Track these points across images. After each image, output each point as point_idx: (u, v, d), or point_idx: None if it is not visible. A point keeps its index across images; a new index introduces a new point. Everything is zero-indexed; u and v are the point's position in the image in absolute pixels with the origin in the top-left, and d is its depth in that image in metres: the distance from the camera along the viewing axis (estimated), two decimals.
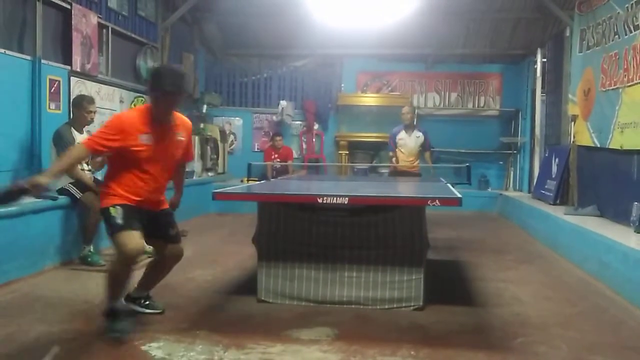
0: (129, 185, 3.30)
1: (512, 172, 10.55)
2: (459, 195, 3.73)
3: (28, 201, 4.79)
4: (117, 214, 3.22)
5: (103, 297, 3.40)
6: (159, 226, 3.49)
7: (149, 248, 5.22)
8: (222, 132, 10.20)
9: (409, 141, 7.26)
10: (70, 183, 5.07)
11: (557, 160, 7.82)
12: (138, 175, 3.31)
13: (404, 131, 7.29)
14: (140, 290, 3.67)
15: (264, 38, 10.49)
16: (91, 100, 5.32)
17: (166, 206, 3.58)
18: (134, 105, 7.80)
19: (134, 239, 3.20)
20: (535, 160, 9.55)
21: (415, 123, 7.50)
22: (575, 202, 6.90)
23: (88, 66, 6.49)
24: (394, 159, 7.35)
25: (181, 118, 3.53)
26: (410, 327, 3.50)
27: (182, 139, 3.47)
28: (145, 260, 5.14)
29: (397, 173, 7.32)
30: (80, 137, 5.21)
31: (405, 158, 7.28)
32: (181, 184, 3.83)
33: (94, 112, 5.33)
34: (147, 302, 3.67)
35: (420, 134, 7.32)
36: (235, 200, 6.41)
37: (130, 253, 3.17)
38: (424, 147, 7.36)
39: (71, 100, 5.48)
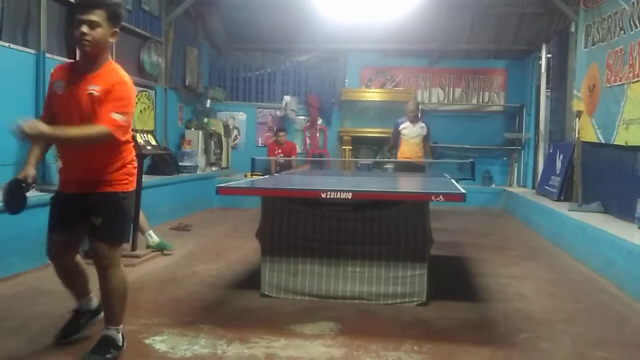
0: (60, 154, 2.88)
1: (516, 168, 10.53)
2: (463, 191, 3.71)
3: (34, 195, 4.82)
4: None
5: None
6: (84, 212, 2.76)
7: (153, 242, 5.29)
8: (226, 127, 10.20)
9: (412, 130, 7.28)
10: None
11: (561, 156, 7.80)
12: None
13: (408, 122, 7.32)
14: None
15: (267, 32, 10.47)
16: None
17: (109, 189, 2.76)
18: (138, 100, 7.81)
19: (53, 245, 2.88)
20: (540, 156, 9.53)
21: (420, 116, 7.51)
22: (580, 199, 6.89)
23: None
24: (393, 151, 7.41)
25: (111, 69, 2.73)
26: (413, 323, 3.50)
27: (95, 93, 2.63)
28: (147, 255, 5.16)
29: (402, 166, 7.31)
30: None
31: (408, 148, 7.30)
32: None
33: None
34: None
35: (423, 124, 7.36)
36: (239, 195, 6.41)
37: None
38: (426, 138, 7.38)
39: None
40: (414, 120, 7.29)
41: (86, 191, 2.75)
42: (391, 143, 7.59)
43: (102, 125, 2.58)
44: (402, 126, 7.31)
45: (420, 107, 7.65)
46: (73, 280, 3.03)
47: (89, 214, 2.75)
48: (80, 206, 2.77)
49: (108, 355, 2.76)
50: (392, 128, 7.53)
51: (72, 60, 2.97)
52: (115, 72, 2.72)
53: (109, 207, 2.75)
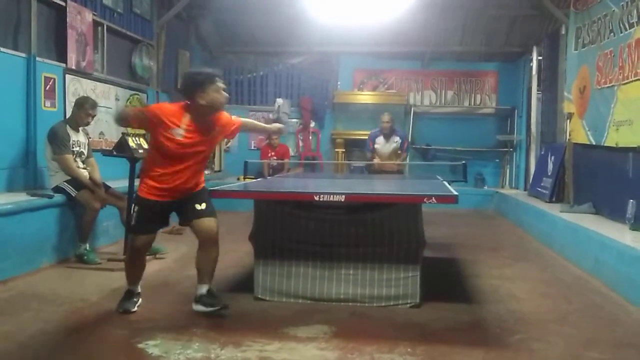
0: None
1: (508, 170, 10.57)
2: (455, 193, 3.73)
3: (23, 199, 4.80)
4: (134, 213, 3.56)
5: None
6: (186, 206, 3.58)
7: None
8: None
9: (385, 148, 7.29)
10: (65, 181, 5.05)
11: (552, 158, 7.84)
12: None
13: (382, 137, 7.30)
14: (199, 286, 3.60)
15: (260, 35, 10.47)
16: (94, 105, 5.32)
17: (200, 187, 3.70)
18: (130, 103, 7.79)
19: (141, 240, 3.59)
20: (531, 158, 9.57)
21: (394, 129, 7.49)
22: (571, 200, 6.92)
23: (83, 64, 6.46)
24: (374, 160, 7.38)
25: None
26: (407, 325, 3.51)
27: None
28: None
29: (378, 172, 7.31)
30: (75, 135, 5.21)
31: (381, 160, 7.33)
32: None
33: (93, 117, 5.35)
34: (209, 300, 3.56)
35: (398, 138, 7.34)
36: (232, 198, 6.38)
37: (136, 249, 3.63)
38: (401, 148, 7.38)
39: (75, 99, 5.50)
40: (388, 134, 7.27)
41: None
42: (370, 156, 7.51)
43: None
44: (376, 140, 7.31)
45: (393, 121, 7.50)
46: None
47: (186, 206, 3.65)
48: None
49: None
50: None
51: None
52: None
53: (204, 194, 3.75)
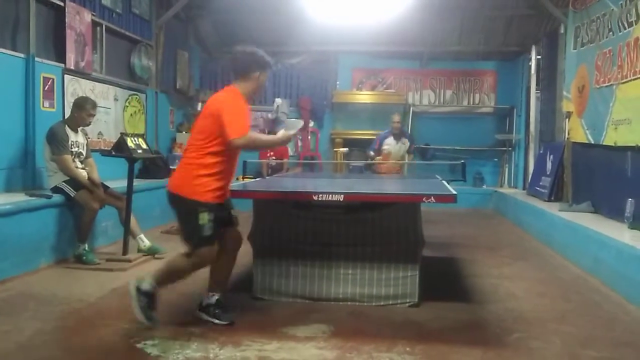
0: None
1: (506, 169, 10.57)
2: (454, 192, 3.74)
3: (22, 199, 4.80)
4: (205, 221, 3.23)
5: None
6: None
7: (144, 246, 5.28)
8: None
9: (395, 149, 7.31)
10: (64, 181, 5.05)
11: (551, 156, 7.85)
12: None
13: (392, 138, 7.32)
14: (209, 295, 3.49)
15: (258, 35, 10.45)
16: (94, 105, 5.32)
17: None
18: (129, 104, 7.78)
19: (215, 248, 3.34)
20: (530, 157, 9.58)
21: (403, 130, 7.54)
22: (570, 199, 6.93)
23: (82, 64, 6.46)
24: (376, 159, 7.40)
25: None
26: (405, 324, 3.51)
27: None
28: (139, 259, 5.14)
29: (381, 173, 7.32)
30: (74, 136, 5.20)
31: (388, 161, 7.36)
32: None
33: (93, 117, 5.35)
34: (217, 311, 3.44)
35: (407, 140, 7.39)
36: (231, 198, 6.39)
37: (212, 259, 3.37)
38: (408, 151, 7.42)
39: (74, 100, 5.49)
40: (398, 135, 7.29)
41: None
42: (372, 155, 7.52)
43: None
44: (386, 142, 7.32)
45: (403, 120, 7.62)
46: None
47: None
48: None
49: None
50: (382, 130, 7.53)
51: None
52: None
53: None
